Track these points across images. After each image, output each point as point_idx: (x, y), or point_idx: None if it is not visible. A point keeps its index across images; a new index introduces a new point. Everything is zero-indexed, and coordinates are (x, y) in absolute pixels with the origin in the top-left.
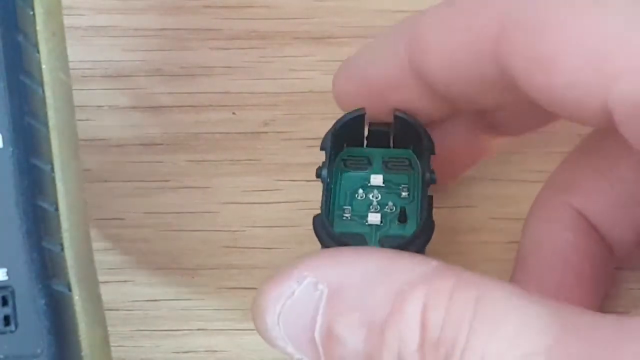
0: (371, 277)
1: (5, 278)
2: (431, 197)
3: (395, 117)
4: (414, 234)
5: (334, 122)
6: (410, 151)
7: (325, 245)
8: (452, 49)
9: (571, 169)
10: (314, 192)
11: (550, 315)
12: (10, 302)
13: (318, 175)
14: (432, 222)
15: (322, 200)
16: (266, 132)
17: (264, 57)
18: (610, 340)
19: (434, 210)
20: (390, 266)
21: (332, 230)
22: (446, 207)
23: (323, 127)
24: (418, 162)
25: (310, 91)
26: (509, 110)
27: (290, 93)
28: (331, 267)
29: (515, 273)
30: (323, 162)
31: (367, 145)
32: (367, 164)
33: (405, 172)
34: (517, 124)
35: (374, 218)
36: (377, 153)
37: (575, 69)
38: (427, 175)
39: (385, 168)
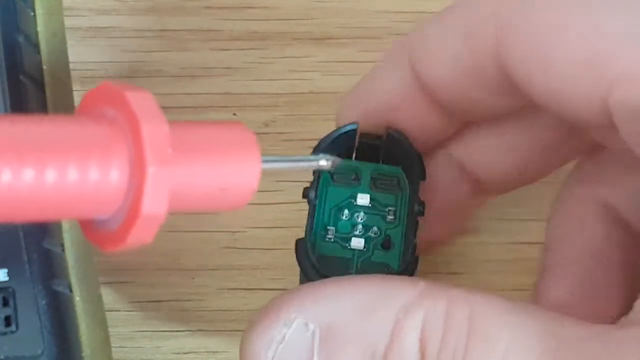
0: (363, 308)
1: (6, 278)
2: (417, 222)
3: (388, 135)
4: (398, 272)
5: (333, 123)
6: (400, 170)
7: (304, 270)
8: (453, 55)
9: (599, 162)
10: None
11: (541, 331)
12: (11, 303)
13: (305, 195)
14: (417, 258)
15: (307, 223)
16: (267, 133)
17: (265, 58)
18: (598, 353)
19: None
20: (380, 294)
21: (314, 258)
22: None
23: (323, 127)
24: (407, 183)
25: (311, 92)
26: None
27: (290, 94)
28: (319, 304)
29: (545, 266)
30: (311, 182)
31: (356, 158)
32: (355, 179)
33: (393, 193)
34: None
35: (357, 243)
36: (366, 168)
37: (575, 70)
38: (416, 207)
39: (374, 186)
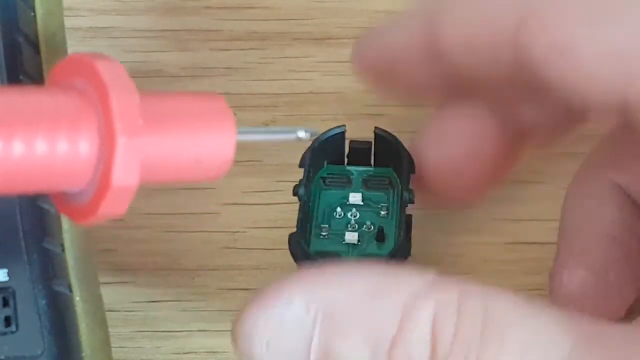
0: (369, 295)
1: (6, 279)
2: (410, 216)
3: (376, 135)
4: (390, 253)
5: (333, 123)
6: (391, 170)
7: (299, 262)
8: (470, 36)
9: (614, 146)
10: None
11: (560, 324)
12: (11, 303)
13: (295, 193)
14: (409, 242)
15: (298, 219)
16: None
17: (264, 58)
18: (622, 347)
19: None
20: (386, 281)
21: (308, 250)
22: (446, 208)
23: (323, 128)
24: (398, 180)
25: (311, 92)
26: (538, 111)
27: (290, 94)
28: (322, 287)
29: (560, 252)
30: (300, 180)
31: (347, 163)
32: (347, 182)
33: (385, 191)
34: (548, 126)
35: (351, 237)
36: (357, 171)
37: (596, 60)
38: (405, 195)
39: (365, 187)
